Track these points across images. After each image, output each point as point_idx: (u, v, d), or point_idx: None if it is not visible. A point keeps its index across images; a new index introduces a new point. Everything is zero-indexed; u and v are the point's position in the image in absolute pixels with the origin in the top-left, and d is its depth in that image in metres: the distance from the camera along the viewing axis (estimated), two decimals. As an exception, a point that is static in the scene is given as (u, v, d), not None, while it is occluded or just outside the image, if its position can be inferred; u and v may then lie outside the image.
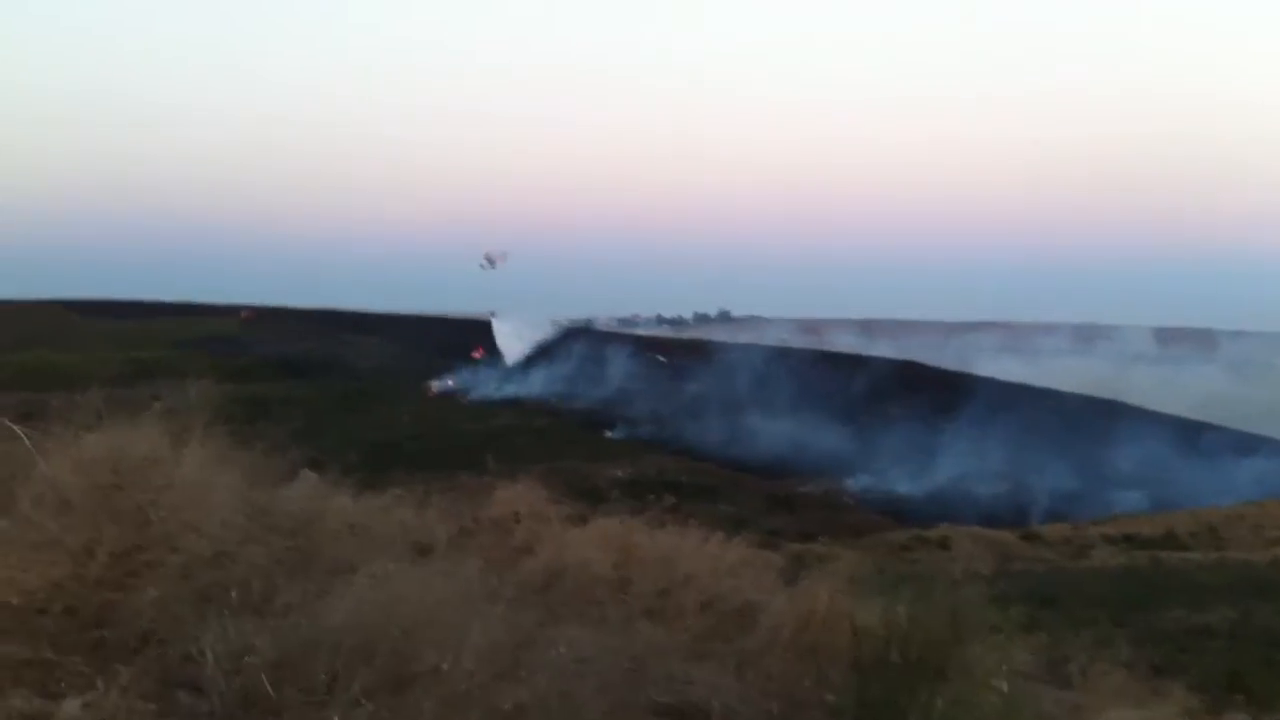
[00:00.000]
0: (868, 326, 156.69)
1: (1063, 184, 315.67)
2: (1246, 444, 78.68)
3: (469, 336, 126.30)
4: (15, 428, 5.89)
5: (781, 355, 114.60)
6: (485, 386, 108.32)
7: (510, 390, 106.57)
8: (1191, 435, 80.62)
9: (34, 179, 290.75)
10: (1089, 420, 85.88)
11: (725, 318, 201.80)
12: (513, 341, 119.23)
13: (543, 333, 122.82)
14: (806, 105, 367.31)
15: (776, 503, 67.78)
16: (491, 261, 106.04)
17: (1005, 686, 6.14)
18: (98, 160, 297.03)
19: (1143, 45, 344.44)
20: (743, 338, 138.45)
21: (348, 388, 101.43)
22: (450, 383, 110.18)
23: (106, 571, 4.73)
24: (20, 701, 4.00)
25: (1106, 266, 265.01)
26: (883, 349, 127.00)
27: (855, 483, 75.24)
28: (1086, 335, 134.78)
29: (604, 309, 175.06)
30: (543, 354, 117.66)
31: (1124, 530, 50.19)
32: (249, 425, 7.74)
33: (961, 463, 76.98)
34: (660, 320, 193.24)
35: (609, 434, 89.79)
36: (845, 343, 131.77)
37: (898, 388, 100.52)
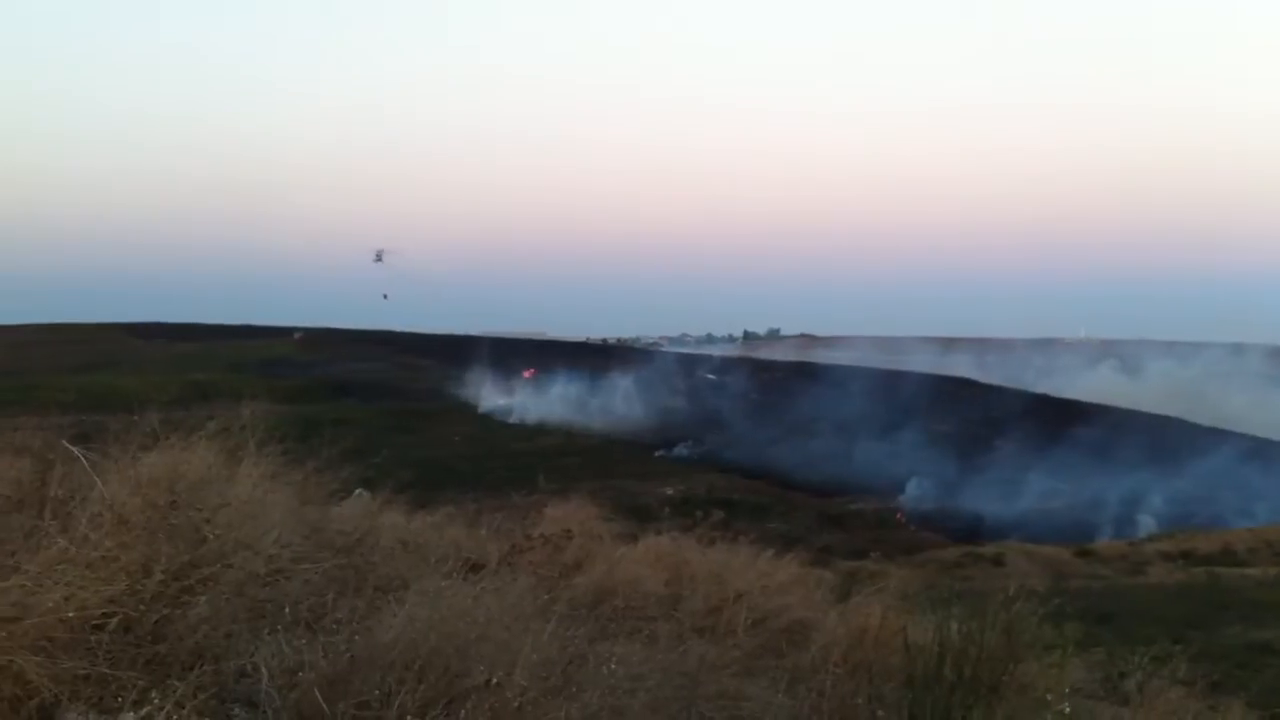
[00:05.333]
0: (947, 344, 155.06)
1: (1159, 200, 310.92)
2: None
3: (521, 356, 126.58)
4: (74, 449, 5.98)
5: (835, 373, 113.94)
6: (532, 406, 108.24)
7: (558, 409, 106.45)
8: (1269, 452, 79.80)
9: (97, 207, 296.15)
10: (1165, 438, 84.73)
11: (775, 336, 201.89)
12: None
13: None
14: (867, 120, 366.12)
15: (829, 520, 67.41)
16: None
17: (1061, 704, 6.07)
18: (158, 186, 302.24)
19: (1238, 67, 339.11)
20: (800, 356, 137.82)
21: (400, 408, 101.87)
22: (501, 402, 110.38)
23: (162, 588, 4.79)
24: (77, 715, 4.07)
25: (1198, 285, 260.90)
26: (945, 365, 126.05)
27: (910, 500, 74.54)
28: (1174, 353, 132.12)
29: (653, 328, 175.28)
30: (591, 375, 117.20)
31: (1181, 547, 49.61)
32: (302, 445, 7.84)
33: (1027, 481, 76.08)
34: (710, 339, 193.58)
35: (660, 453, 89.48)
36: (917, 361, 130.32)
37: (953, 405, 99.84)
